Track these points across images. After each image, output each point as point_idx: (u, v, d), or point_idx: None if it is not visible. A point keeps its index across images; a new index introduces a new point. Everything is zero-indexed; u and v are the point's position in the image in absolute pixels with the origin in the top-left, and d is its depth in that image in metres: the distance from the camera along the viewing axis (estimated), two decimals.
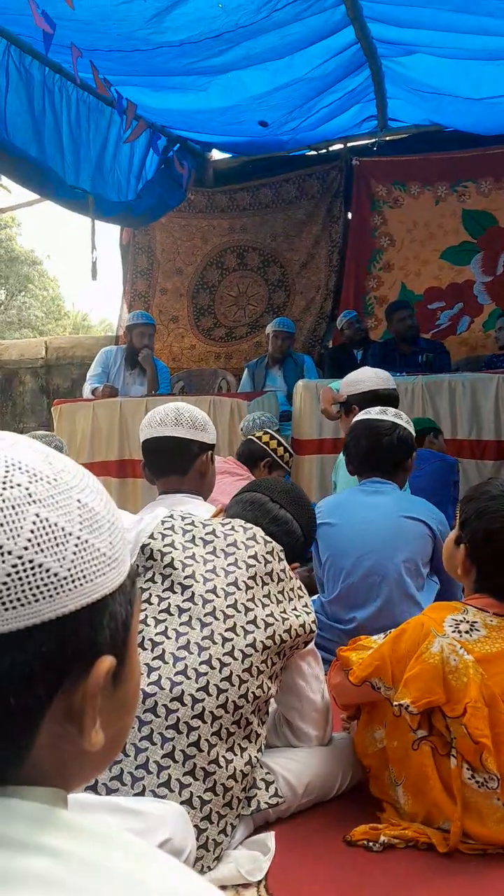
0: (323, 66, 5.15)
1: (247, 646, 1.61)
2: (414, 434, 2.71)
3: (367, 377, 3.32)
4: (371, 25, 4.82)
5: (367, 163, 6.92)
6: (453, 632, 1.62)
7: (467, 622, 1.63)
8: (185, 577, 1.66)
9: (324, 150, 7.01)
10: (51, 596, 0.57)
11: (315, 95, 5.61)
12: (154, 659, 1.57)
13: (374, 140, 6.87)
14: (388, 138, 6.83)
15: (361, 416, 2.76)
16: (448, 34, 4.62)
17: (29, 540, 0.57)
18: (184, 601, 1.64)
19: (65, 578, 0.58)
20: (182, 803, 1.46)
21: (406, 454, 2.68)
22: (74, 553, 0.59)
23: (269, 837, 1.61)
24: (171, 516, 1.79)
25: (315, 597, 2.70)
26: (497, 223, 6.61)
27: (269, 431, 3.68)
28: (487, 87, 5.45)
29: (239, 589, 1.67)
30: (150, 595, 1.66)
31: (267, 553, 1.74)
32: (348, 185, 6.95)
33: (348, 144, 6.91)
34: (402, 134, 6.75)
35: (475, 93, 5.51)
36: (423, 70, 5.32)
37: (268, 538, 1.77)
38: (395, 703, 1.60)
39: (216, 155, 7.25)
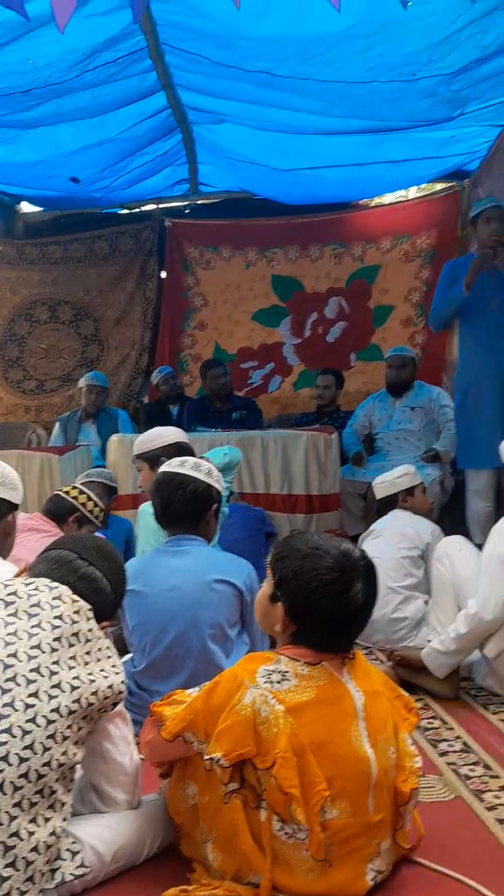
0: (135, 129, 5.25)
1: (51, 711, 1.54)
2: (218, 486, 2.70)
3: (171, 430, 3.35)
4: (181, 93, 4.98)
5: (179, 224, 7.08)
6: (265, 682, 1.62)
7: (279, 672, 1.65)
8: None
9: (137, 210, 7.12)
10: None
11: (127, 156, 5.70)
12: None
13: (186, 203, 7.05)
14: (200, 202, 7.04)
15: (163, 468, 2.75)
16: (255, 107, 4.85)
17: None
18: None
19: None
20: None
21: (204, 507, 2.65)
22: None
23: None
24: None
25: (128, 656, 2.63)
26: (303, 289, 6.93)
27: (78, 486, 3.60)
28: (294, 160, 5.76)
29: (43, 652, 1.60)
30: None
31: (74, 612, 1.68)
32: (161, 244, 7.07)
33: (161, 205, 7.06)
34: (213, 198, 6.98)
35: (282, 164, 5.80)
36: (232, 139, 5.55)
37: (75, 597, 1.71)
38: (206, 757, 1.58)
39: (26, 207, 7.16)
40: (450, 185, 6.64)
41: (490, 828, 1.90)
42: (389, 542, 3.74)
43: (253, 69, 4.28)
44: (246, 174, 6.19)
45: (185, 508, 2.62)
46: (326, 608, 1.67)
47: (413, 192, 7.33)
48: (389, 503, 3.96)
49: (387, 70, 4.29)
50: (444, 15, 3.77)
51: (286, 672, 1.64)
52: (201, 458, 2.89)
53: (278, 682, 1.62)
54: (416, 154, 5.82)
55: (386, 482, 3.99)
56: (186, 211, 7.12)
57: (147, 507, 3.15)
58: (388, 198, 7.17)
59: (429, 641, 2.99)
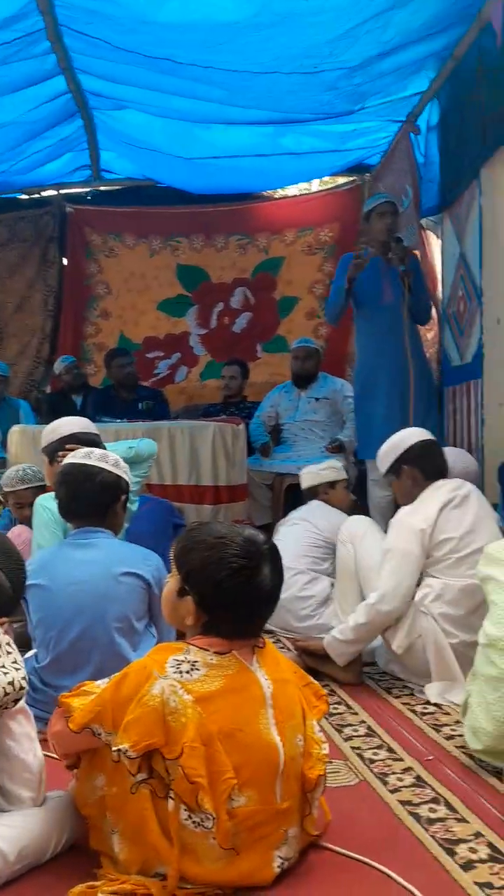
0: (33, 112, 5.12)
1: None
2: (126, 477, 2.67)
3: (67, 421, 3.28)
4: (82, 77, 4.88)
5: (81, 211, 6.95)
6: (175, 672, 1.62)
7: (188, 662, 1.64)
8: None
9: (36, 195, 6.93)
10: None
11: (25, 140, 5.55)
12: None
13: (88, 189, 6.92)
14: (102, 188, 6.92)
15: (67, 459, 2.70)
16: (157, 93, 4.80)
17: None
18: None
19: None
20: None
21: (112, 499, 2.61)
22: None
23: None
24: None
25: (31, 652, 2.58)
26: (209, 278, 6.92)
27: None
28: (197, 149, 5.73)
29: None
30: None
31: None
32: (63, 231, 6.92)
33: (62, 191, 6.90)
34: (116, 185, 6.88)
35: (185, 152, 5.77)
36: (134, 126, 5.48)
37: None
38: (114, 748, 1.57)
39: None
40: (352, 178, 6.74)
41: (394, 810, 1.94)
42: (303, 529, 3.82)
43: (155, 55, 4.24)
44: (149, 161, 6.12)
45: (93, 500, 2.58)
46: (237, 595, 1.68)
47: (316, 185, 7.40)
48: (311, 493, 4.03)
49: (289, 61, 4.31)
50: (345, 9, 3.82)
51: (196, 662, 1.64)
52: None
53: (187, 672, 1.62)
54: (319, 147, 5.88)
55: (311, 472, 4.10)
56: (88, 197, 6.98)
57: (43, 501, 3.08)
58: (292, 190, 7.22)
59: (332, 627, 3.04)
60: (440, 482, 3.05)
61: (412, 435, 3.25)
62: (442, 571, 2.86)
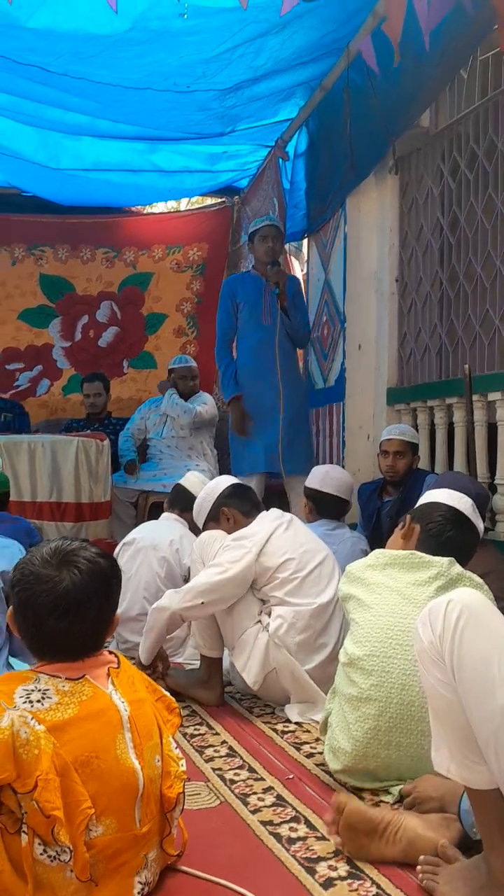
0: None
1: None
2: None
3: None
4: None
5: None
6: (24, 703, 1.54)
7: (39, 690, 1.57)
8: None
9: None
10: None
11: None
12: None
13: None
14: None
15: None
16: (27, 101, 4.68)
17: None
18: None
19: None
20: None
21: None
22: None
23: None
24: None
25: None
26: (74, 290, 6.79)
27: None
28: (65, 159, 5.63)
29: None
30: None
31: None
32: None
33: None
34: None
35: (54, 163, 5.65)
36: (1, 132, 5.32)
37: None
38: None
39: None
40: (220, 200, 6.81)
41: (255, 830, 1.93)
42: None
43: (25, 62, 4.13)
44: (14, 169, 5.95)
45: None
46: (31, 608, 1.62)
47: (184, 204, 7.43)
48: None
49: (162, 79, 4.32)
50: (219, 31, 3.86)
51: (46, 690, 1.58)
52: None
53: (38, 702, 1.55)
54: (189, 166, 5.92)
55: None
56: None
57: None
58: (160, 207, 7.21)
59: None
60: (261, 515, 3.10)
61: (222, 481, 3.34)
62: (291, 594, 2.86)
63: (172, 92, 4.47)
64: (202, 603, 2.82)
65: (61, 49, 3.97)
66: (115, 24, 3.74)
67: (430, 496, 2.37)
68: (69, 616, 1.62)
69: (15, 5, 3.51)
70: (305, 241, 6.20)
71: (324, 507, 3.78)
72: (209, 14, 3.66)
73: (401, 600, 2.15)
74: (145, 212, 7.09)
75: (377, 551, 2.33)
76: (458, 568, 2.17)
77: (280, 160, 5.55)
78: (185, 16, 3.63)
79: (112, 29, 3.78)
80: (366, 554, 2.91)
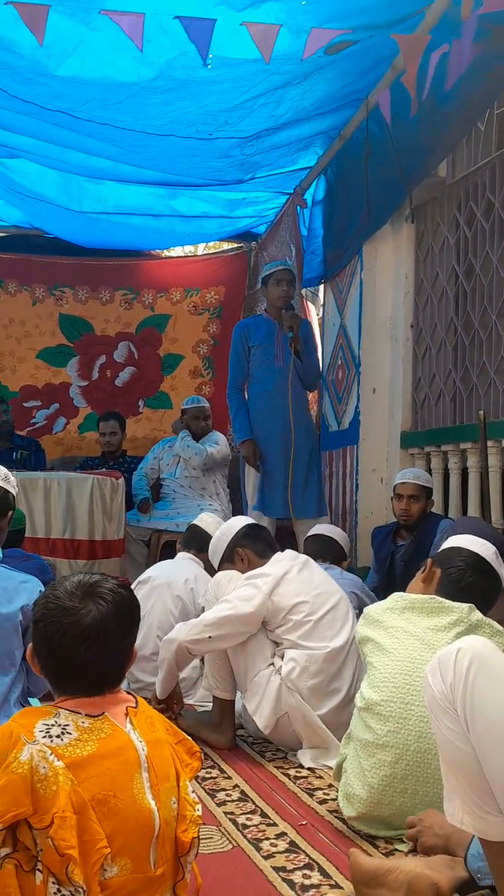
0: None
1: None
2: (14, 491, 2.63)
3: None
4: None
5: None
6: (44, 737, 1.53)
7: (59, 726, 1.56)
8: None
9: None
10: None
11: None
12: None
13: None
14: None
15: None
16: (52, 146, 4.79)
17: None
18: None
19: None
20: None
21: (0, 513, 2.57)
22: None
23: None
24: None
25: None
26: (93, 330, 6.88)
27: None
28: (87, 203, 5.74)
29: None
30: None
31: None
32: None
33: None
34: (1, 232, 6.77)
35: (76, 206, 5.77)
36: (25, 175, 5.44)
37: None
38: None
39: None
40: (238, 245, 6.92)
41: (267, 876, 1.91)
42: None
43: (51, 108, 4.24)
44: (37, 211, 6.07)
45: None
46: (52, 640, 1.60)
47: (202, 249, 7.55)
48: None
49: (185, 126, 4.41)
50: (242, 81, 3.96)
51: (67, 725, 1.57)
52: None
53: (58, 737, 1.54)
54: (209, 212, 6.02)
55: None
56: None
57: None
58: (178, 251, 7.33)
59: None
60: (275, 556, 3.09)
61: (237, 521, 3.35)
62: (304, 637, 2.84)
63: (194, 139, 4.57)
64: (209, 637, 2.81)
65: (87, 95, 4.08)
66: (141, 72, 3.85)
67: (453, 541, 2.37)
68: (96, 647, 1.61)
69: (45, 53, 3.62)
70: (322, 286, 6.28)
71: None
72: (233, 65, 3.76)
73: (420, 645, 2.13)
74: (164, 255, 7.20)
75: (396, 594, 2.32)
76: (478, 614, 2.15)
77: (298, 207, 5.65)
78: (210, 66, 3.73)
79: (138, 77, 3.88)
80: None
